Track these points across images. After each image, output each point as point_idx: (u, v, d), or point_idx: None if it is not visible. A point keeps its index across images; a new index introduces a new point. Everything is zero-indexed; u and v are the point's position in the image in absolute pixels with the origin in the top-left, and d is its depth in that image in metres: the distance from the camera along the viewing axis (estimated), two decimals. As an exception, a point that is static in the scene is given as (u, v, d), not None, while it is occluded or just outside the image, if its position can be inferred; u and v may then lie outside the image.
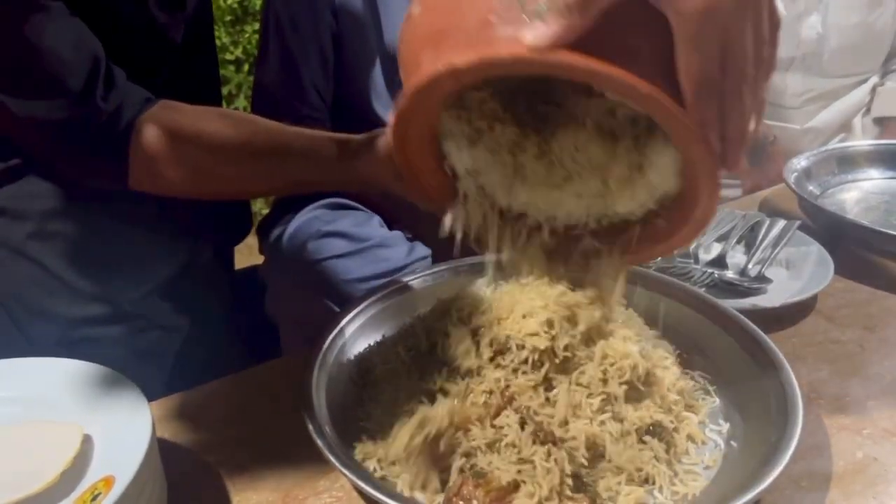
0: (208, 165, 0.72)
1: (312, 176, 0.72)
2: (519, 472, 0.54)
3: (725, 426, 0.62)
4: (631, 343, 0.61)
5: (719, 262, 0.88)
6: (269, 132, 0.73)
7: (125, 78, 0.71)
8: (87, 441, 0.52)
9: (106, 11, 0.72)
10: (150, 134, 0.69)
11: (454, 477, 0.55)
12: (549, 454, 0.54)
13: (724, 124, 0.45)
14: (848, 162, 1.14)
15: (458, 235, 0.58)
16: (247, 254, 1.23)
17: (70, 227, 0.80)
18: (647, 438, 0.58)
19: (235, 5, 3.14)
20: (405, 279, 0.77)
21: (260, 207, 2.32)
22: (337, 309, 0.95)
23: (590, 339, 0.61)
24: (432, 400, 0.59)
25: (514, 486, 0.54)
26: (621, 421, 0.57)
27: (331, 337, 0.68)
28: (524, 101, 0.53)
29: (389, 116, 0.52)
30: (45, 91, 0.68)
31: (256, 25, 3.25)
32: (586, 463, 0.55)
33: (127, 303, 0.84)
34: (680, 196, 0.53)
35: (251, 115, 0.79)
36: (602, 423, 0.56)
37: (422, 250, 1.04)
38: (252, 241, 1.13)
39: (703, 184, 0.49)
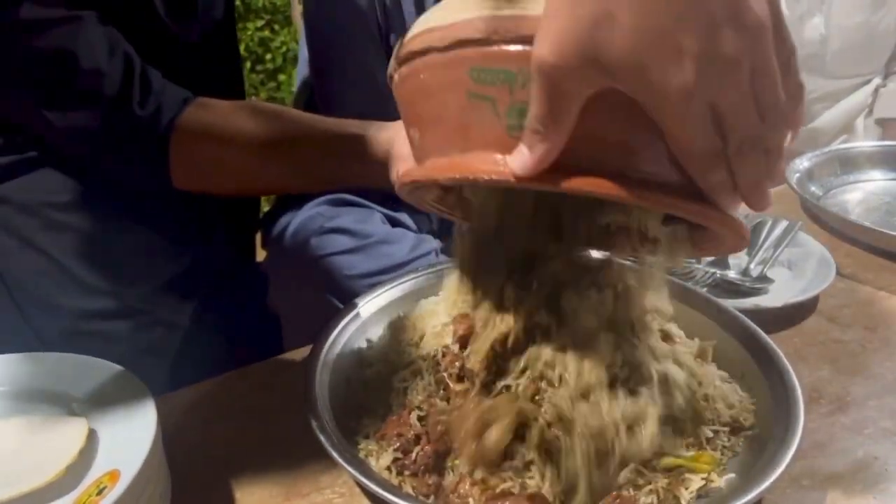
0: (242, 163, 0.73)
1: (341, 170, 0.73)
2: (521, 482, 0.53)
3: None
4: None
5: (721, 261, 0.88)
6: (300, 127, 0.74)
7: (161, 79, 0.72)
8: (92, 435, 0.52)
9: (116, 19, 0.73)
10: (188, 135, 0.70)
11: (454, 475, 0.56)
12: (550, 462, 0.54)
13: (736, 181, 0.42)
14: (850, 163, 1.14)
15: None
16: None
17: (81, 221, 0.81)
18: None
19: (238, 2, 3.15)
20: (408, 276, 0.77)
21: (262, 204, 2.32)
22: (340, 305, 0.95)
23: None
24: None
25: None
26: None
27: (334, 333, 0.68)
28: None
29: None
30: (83, 100, 0.69)
31: (259, 23, 3.25)
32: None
33: (134, 298, 0.85)
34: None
35: (279, 107, 0.80)
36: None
37: (425, 246, 1.04)
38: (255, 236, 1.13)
39: (724, 235, 0.48)
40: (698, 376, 0.61)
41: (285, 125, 0.75)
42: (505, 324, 0.56)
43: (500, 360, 0.57)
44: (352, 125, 0.77)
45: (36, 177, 0.80)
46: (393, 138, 0.72)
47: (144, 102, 0.70)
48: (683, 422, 0.57)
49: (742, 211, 0.46)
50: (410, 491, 0.55)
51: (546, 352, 0.55)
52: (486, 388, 0.56)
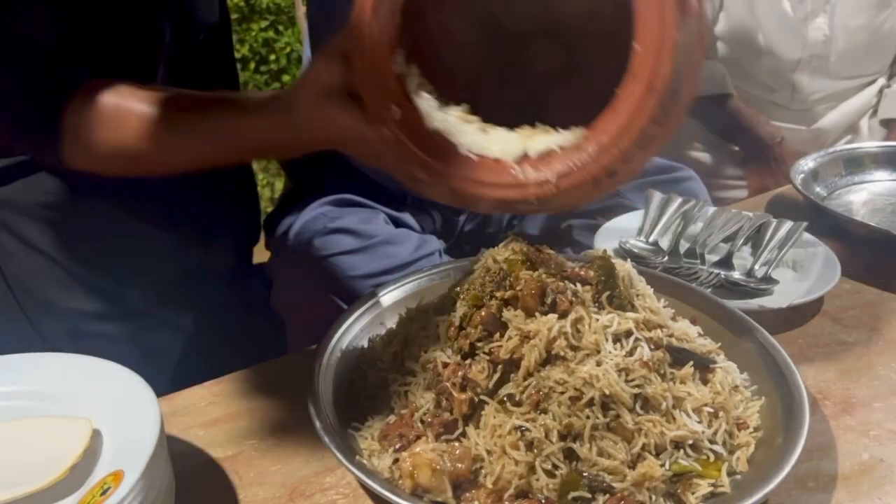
0: (130, 140, 0.69)
1: (243, 130, 0.67)
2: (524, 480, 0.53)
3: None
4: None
5: (726, 262, 0.88)
6: (192, 98, 0.71)
7: (75, 58, 0.70)
8: (96, 436, 0.52)
9: (107, 19, 0.72)
10: (79, 113, 0.68)
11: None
12: (554, 467, 0.54)
13: None
14: (855, 163, 1.14)
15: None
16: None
17: (82, 223, 0.81)
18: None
19: (242, 3, 3.15)
20: (412, 276, 0.77)
21: (265, 205, 2.32)
22: (343, 305, 0.95)
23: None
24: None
25: (518, 491, 0.54)
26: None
27: (338, 334, 0.68)
28: None
29: None
30: None
31: (263, 24, 3.25)
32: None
33: (136, 299, 0.85)
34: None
35: (181, 89, 0.77)
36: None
37: (429, 247, 1.04)
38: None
39: None
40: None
41: (173, 96, 0.71)
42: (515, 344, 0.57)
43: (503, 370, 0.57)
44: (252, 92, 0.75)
45: (37, 179, 0.80)
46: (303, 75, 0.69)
47: (47, 77, 0.68)
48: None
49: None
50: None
51: (555, 371, 0.55)
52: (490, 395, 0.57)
